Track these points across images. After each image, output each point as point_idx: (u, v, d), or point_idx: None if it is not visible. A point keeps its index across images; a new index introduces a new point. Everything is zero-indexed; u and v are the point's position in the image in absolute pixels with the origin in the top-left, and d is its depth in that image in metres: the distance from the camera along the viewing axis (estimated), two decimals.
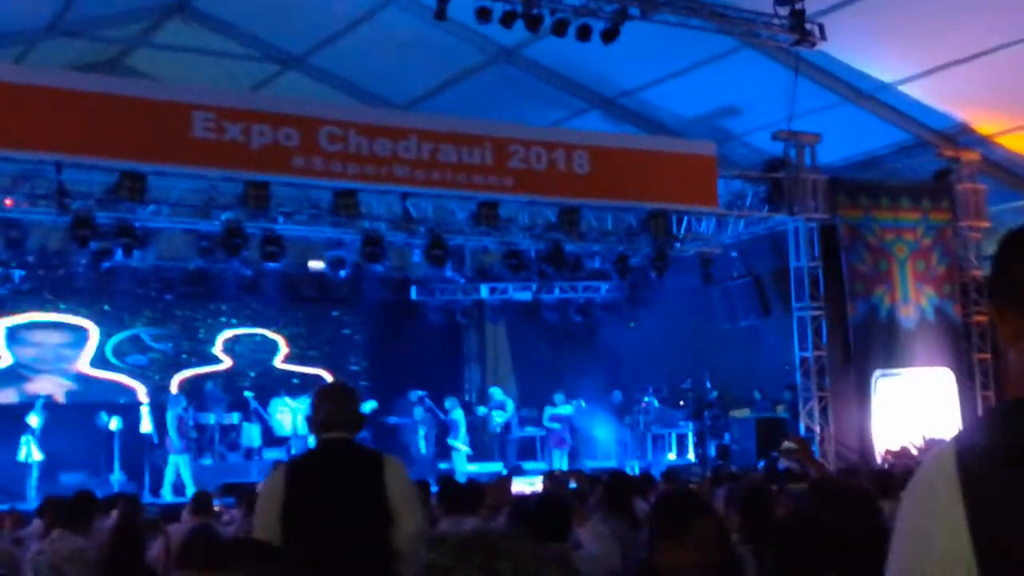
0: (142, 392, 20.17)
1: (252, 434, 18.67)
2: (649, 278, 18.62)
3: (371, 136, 14.87)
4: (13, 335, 19.45)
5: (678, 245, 18.28)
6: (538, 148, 15.88)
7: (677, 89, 18.03)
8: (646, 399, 20.19)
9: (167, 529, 7.80)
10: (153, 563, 7.01)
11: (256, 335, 21.82)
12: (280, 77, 19.79)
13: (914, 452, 16.17)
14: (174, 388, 20.69)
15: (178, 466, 17.26)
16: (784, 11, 14.86)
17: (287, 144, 14.28)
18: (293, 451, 19.09)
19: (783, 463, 10.31)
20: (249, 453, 18.54)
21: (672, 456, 19.63)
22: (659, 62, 17.32)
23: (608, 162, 16.36)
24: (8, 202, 14.59)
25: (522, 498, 6.73)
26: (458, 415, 19.58)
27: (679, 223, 17.95)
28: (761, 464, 15.55)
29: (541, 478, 8.85)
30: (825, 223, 17.51)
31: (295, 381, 21.52)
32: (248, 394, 19.79)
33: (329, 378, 21.88)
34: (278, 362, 21.97)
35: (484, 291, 21.37)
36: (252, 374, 21.57)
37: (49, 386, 19.50)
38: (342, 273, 17.73)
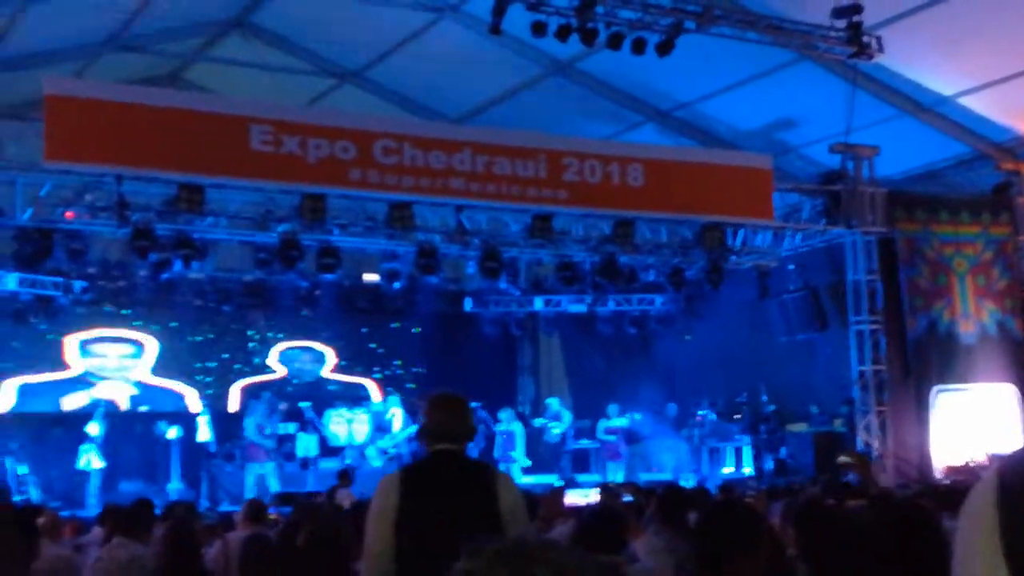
0: (195, 401, 20.37)
1: (308, 444, 18.79)
2: (704, 291, 18.53)
3: (426, 149, 14.94)
4: (84, 347, 19.86)
5: (734, 258, 18.18)
6: (592, 161, 15.87)
7: (733, 102, 17.97)
8: (701, 412, 20.05)
9: (226, 536, 7.87)
10: (211, 568, 7.08)
11: (306, 347, 21.95)
12: (336, 91, 19.97)
13: (976, 468, 15.94)
14: (235, 397, 20.90)
15: (259, 474, 17.58)
16: (841, 23, 14.74)
17: (343, 157, 14.38)
18: (348, 461, 19.20)
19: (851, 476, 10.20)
20: (305, 463, 18.66)
21: (728, 470, 19.48)
22: (715, 75, 17.27)
23: (663, 175, 16.31)
24: (69, 214, 14.83)
25: (579, 510, 6.72)
26: (516, 427, 19.60)
27: (735, 236, 17.85)
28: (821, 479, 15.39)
29: (596, 490, 8.83)
30: (883, 236, 17.34)
31: (331, 388, 21.61)
32: (304, 404, 19.93)
33: (374, 389, 21.95)
34: (325, 372, 22.08)
35: (538, 303, 21.36)
36: (295, 381, 21.69)
37: (114, 392, 19.83)
38: (396, 285, 17.82)
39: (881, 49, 15.17)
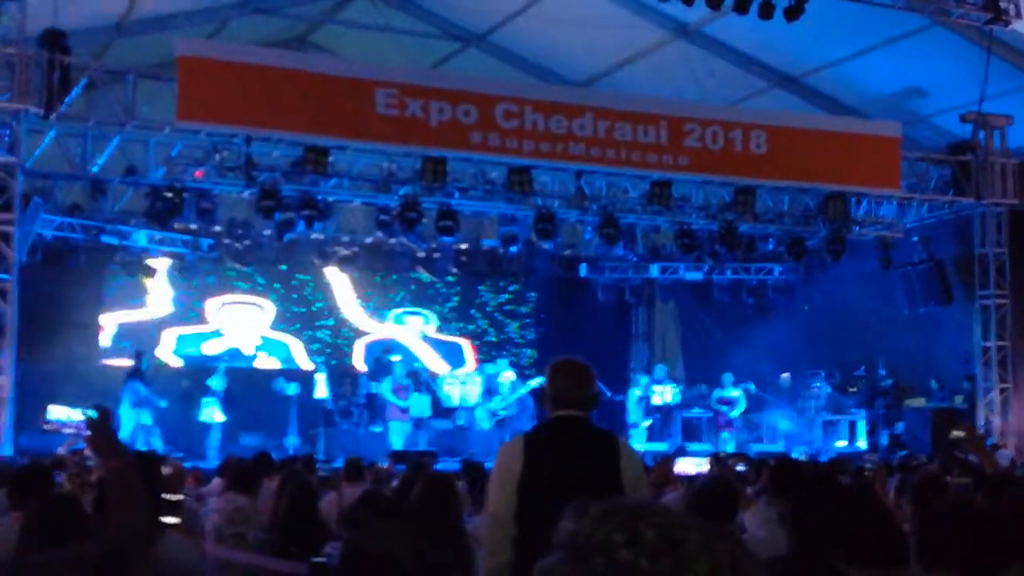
0: (303, 355, 20.76)
1: (422, 404, 19.09)
2: (825, 261, 18.23)
3: (547, 114, 14.95)
4: (220, 307, 20.50)
5: (857, 228, 17.84)
6: (715, 127, 15.71)
7: (862, 68, 17.54)
8: (817, 384, 19.79)
9: (340, 490, 8.07)
10: (325, 519, 7.27)
11: (416, 310, 22.08)
12: (459, 55, 20.03)
13: None
14: (358, 355, 21.22)
15: (393, 431, 18.09)
16: None
17: (465, 121, 14.49)
18: (460, 422, 19.47)
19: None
20: (419, 423, 18.95)
21: (842, 443, 19.22)
22: (844, 40, 16.88)
23: (787, 142, 16.07)
24: (199, 174, 15.24)
25: (691, 479, 6.72)
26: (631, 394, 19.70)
27: (858, 206, 17.52)
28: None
29: (707, 460, 8.84)
30: (1014, 209, 16.84)
31: (429, 346, 21.70)
32: (419, 365, 20.19)
33: (468, 349, 22.03)
34: (429, 332, 22.17)
35: (655, 270, 21.26)
36: (401, 341, 21.81)
37: (242, 342, 20.40)
38: (514, 249, 17.91)
39: (1019, 15, 14.69)
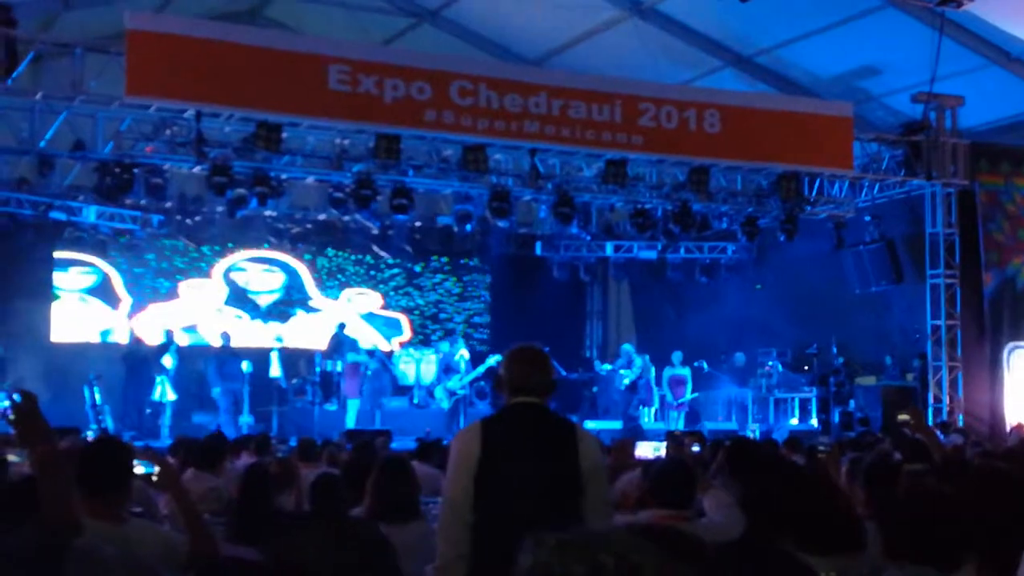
0: (257, 334, 20.60)
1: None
2: (777, 240, 18.32)
3: (501, 91, 14.87)
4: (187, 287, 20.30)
5: (809, 208, 17.94)
6: (669, 106, 15.69)
7: (815, 48, 17.61)
8: (770, 363, 19.91)
9: (299, 472, 8.00)
10: (284, 503, 7.19)
11: (364, 292, 21.94)
12: (413, 30, 19.87)
13: None
14: (314, 334, 21.04)
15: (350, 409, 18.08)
16: None
17: (419, 98, 14.37)
18: (416, 400, 19.40)
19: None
20: (374, 401, 18.88)
21: (795, 421, 19.39)
22: (797, 20, 16.93)
23: (740, 121, 16.09)
24: (149, 149, 15.01)
25: (649, 463, 6.70)
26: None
27: (811, 185, 17.61)
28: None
29: (664, 444, 8.87)
30: (964, 189, 17.00)
31: (367, 322, 21.62)
32: (373, 347, 20.10)
33: (405, 324, 21.97)
34: (375, 309, 22.04)
35: (609, 249, 21.30)
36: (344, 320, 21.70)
37: (201, 318, 20.27)
38: (468, 227, 17.84)
39: None
